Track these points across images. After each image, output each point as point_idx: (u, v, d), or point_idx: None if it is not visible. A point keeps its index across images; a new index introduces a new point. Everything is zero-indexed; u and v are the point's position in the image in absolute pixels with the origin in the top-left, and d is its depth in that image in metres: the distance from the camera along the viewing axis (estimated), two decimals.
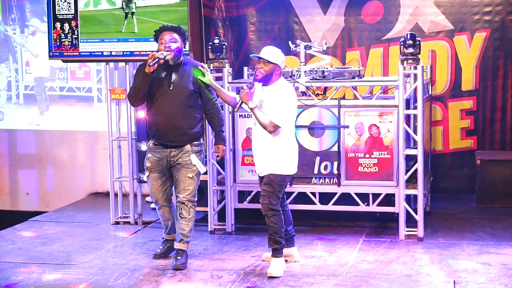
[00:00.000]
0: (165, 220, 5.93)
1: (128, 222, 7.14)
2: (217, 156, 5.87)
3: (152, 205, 7.38)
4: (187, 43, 6.48)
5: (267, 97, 5.39)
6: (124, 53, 6.79)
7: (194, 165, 5.65)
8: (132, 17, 6.70)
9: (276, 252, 5.46)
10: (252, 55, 5.62)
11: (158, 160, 5.69)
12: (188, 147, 5.66)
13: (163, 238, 6.06)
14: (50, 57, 7.02)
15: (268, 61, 5.32)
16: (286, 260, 5.61)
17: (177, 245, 5.73)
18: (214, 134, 5.89)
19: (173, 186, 5.81)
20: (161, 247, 6.03)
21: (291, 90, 5.50)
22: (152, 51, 5.71)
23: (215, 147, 5.84)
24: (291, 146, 5.47)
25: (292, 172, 5.51)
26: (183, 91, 5.60)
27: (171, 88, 5.59)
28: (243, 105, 5.41)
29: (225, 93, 5.74)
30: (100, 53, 6.85)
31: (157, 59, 5.45)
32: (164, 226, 5.99)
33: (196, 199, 5.75)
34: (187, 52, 6.61)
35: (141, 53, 6.69)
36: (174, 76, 5.61)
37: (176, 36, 5.60)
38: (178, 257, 5.69)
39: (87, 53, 6.88)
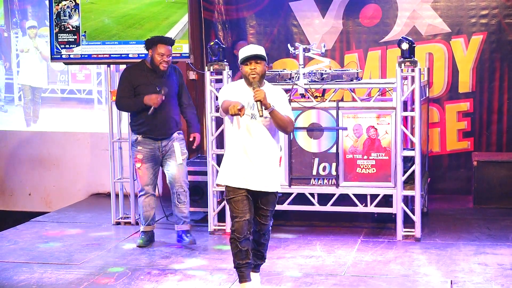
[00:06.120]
0: (149, 209, 6.34)
1: (129, 223, 7.19)
2: (193, 143, 6.38)
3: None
4: (188, 45, 6.72)
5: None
6: (126, 55, 6.86)
7: (181, 150, 6.22)
8: None
9: (259, 267, 5.09)
10: (243, 57, 4.76)
11: (150, 151, 6.20)
12: (175, 135, 6.23)
13: (141, 231, 6.41)
14: (52, 59, 7.08)
15: (261, 59, 4.74)
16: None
17: (181, 227, 6.31)
18: (191, 124, 6.42)
19: (167, 175, 6.29)
20: (143, 237, 6.38)
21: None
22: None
23: (192, 135, 6.37)
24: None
25: None
26: (171, 91, 6.20)
27: (159, 89, 6.13)
28: (258, 106, 4.66)
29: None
30: (101, 56, 6.91)
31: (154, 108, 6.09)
32: (145, 218, 6.35)
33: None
34: (188, 55, 6.69)
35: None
36: (160, 79, 6.17)
37: (171, 50, 6.14)
38: (188, 235, 6.31)
39: (89, 56, 6.94)
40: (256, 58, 4.72)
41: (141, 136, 6.20)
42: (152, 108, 6.07)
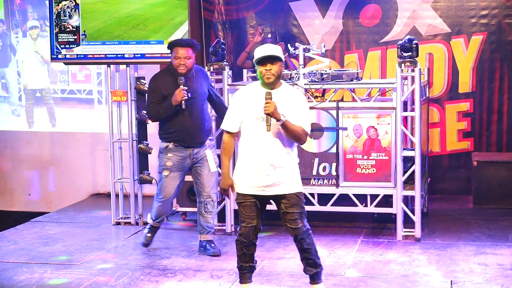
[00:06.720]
0: (164, 212, 6.21)
1: (129, 223, 7.20)
2: None
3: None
4: None
5: (279, 103, 4.59)
6: (122, 55, 6.86)
7: (214, 158, 6.04)
8: None
9: (317, 278, 4.86)
10: (258, 57, 4.61)
11: (181, 159, 5.98)
12: (207, 142, 6.05)
13: (149, 224, 6.26)
14: (52, 59, 7.09)
15: (278, 59, 4.59)
16: None
17: (205, 237, 6.08)
18: None
19: (196, 183, 6.08)
20: (148, 234, 6.26)
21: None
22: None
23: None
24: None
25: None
26: (201, 96, 5.97)
27: (189, 95, 5.86)
28: (267, 119, 4.59)
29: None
30: (98, 56, 6.91)
31: (184, 101, 5.78)
32: (158, 215, 6.19)
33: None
34: None
35: (149, 55, 6.75)
36: (189, 84, 5.88)
37: (190, 51, 5.83)
38: (213, 245, 6.06)
39: (85, 56, 6.94)
40: (271, 59, 4.58)
41: (172, 143, 5.95)
42: (183, 103, 5.78)
